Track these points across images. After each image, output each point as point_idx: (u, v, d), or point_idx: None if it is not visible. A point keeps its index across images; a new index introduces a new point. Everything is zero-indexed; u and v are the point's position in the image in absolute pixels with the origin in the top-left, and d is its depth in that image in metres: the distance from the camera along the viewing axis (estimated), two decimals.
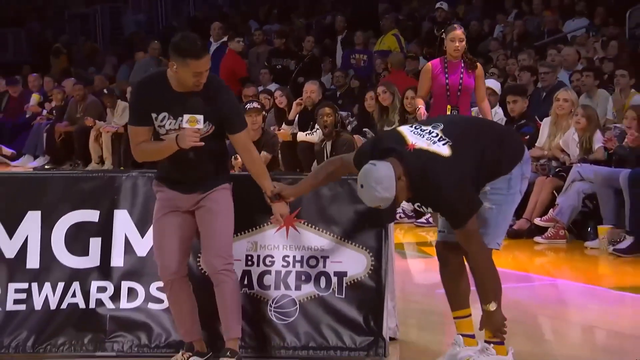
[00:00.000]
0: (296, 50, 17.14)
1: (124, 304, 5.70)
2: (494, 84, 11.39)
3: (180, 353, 5.34)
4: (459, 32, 9.13)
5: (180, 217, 5.24)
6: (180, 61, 5.02)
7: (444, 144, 4.93)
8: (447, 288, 5.33)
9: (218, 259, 5.17)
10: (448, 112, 8.85)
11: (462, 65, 9.05)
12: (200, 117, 5.05)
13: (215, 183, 5.24)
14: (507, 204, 5.17)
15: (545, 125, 10.42)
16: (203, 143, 5.06)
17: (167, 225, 5.24)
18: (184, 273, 5.30)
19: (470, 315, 5.31)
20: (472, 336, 5.29)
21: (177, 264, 5.23)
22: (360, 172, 4.89)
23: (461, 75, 9.01)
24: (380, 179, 4.78)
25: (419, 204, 5.17)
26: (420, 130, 5.03)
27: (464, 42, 9.06)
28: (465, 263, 5.28)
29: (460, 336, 5.25)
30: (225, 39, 16.49)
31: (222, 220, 5.22)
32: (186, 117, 5.04)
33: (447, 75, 9.06)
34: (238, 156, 13.10)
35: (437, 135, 4.99)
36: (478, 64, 9.28)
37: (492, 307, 5.07)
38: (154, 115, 5.14)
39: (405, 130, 5.07)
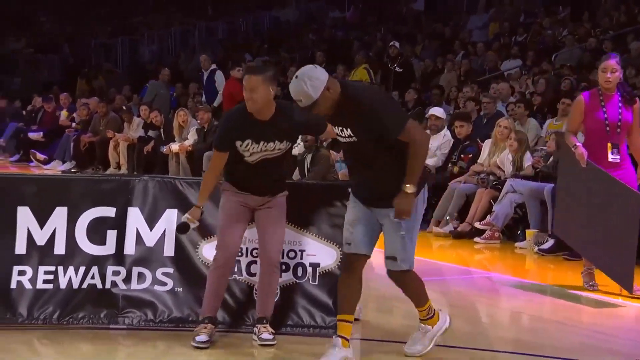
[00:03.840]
0: (282, 79, 17.12)
1: (134, 285, 5.67)
2: (439, 111, 11.38)
3: (203, 326, 5.23)
4: (611, 62, 6.82)
5: (245, 212, 5.25)
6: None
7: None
8: (343, 293, 4.90)
9: (278, 254, 5.28)
10: (609, 151, 6.78)
11: (620, 98, 6.85)
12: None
13: (278, 190, 5.29)
14: (414, 229, 4.84)
15: (485, 145, 10.47)
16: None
17: (234, 216, 5.22)
18: (234, 261, 5.34)
19: (351, 322, 4.90)
20: (348, 339, 4.85)
21: (235, 249, 5.26)
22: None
23: (620, 110, 6.81)
24: (313, 77, 4.52)
25: (342, 127, 4.68)
26: None
27: (617, 73, 6.80)
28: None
29: (339, 339, 4.84)
30: (213, 66, 16.39)
31: (282, 222, 5.29)
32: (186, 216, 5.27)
33: (605, 110, 6.82)
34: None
35: None
36: (637, 98, 6.98)
37: (411, 189, 4.61)
38: (238, 142, 5.13)
39: None
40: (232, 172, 5.33)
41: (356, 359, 4.93)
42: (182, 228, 5.34)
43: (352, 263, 4.88)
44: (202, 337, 5.16)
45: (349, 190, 5.04)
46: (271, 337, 5.28)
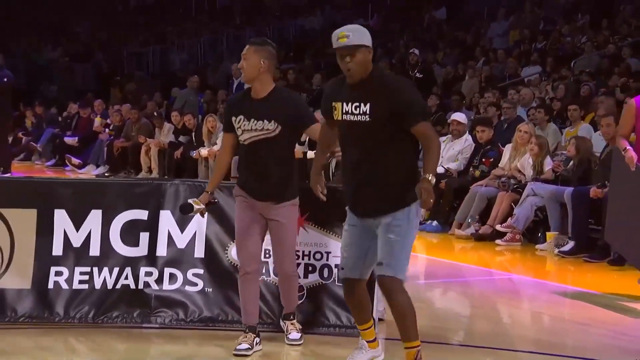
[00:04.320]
0: (307, 85, 17.15)
1: (166, 286, 5.68)
2: (461, 117, 11.38)
3: (244, 335, 5.08)
4: None
5: (256, 217, 5.04)
6: None
7: None
8: (355, 310, 4.75)
9: (290, 265, 5.13)
10: None
11: None
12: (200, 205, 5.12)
13: (285, 196, 5.03)
14: (409, 237, 4.43)
15: (506, 150, 10.42)
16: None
17: (246, 225, 5.05)
18: (257, 267, 5.15)
19: (371, 326, 4.78)
20: (374, 340, 4.79)
21: (254, 256, 5.09)
22: None
23: None
24: (366, 32, 4.42)
25: (358, 103, 4.35)
26: None
27: None
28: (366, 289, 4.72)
29: (365, 342, 4.76)
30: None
31: (291, 233, 5.10)
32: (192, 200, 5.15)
33: None
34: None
35: None
36: None
37: (433, 179, 4.28)
38: (234, 119, 5.04)
39: None
40: (239, 166, 5.18)
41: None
42: (184, 208, 5.18)
43: (350, 287, 4.64)
44: (243, 346, 5.04)
45: (346, 209, 4.63)
46: (298, 336, 5.26)
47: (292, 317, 5.31)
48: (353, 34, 4.36)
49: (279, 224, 5.05)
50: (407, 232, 4.41)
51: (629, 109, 6.82)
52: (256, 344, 5.09)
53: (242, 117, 5.01)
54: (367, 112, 4.35)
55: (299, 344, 5.24)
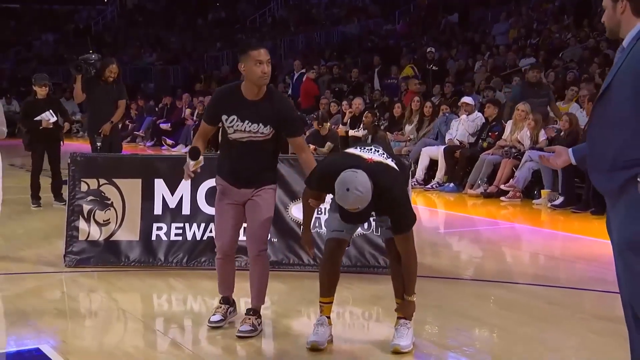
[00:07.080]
0: (348, 78, 17.03)
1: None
2: (469, 99, 11.23)
3: (218, 306, 4.33)
4: None
5: (235, 207, 4.10)
6: (244, 57, 3.87)
7: (392, 161, 3.81)
8: (326, 278, 3.94)
9: (254, 245, 4.08)
10: None
11: None
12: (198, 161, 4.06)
13: (263, 182, 4.06)
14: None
15: (508, 125, 10.26)
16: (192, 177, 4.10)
17: (224, 213, 4.12)
18: (234, 250, 4.25)
19: (332, 301, 4.00)
20: (330, 317, 3.99)
21: (231, 243, 4.16)
22: (342, 177, 3.56)
23: None
24: (363, 184, 3.53)
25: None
26: (369, 149, 3.81)
27: None
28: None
29: (325, 317, 3.98)
30: (303, 70, 16.44)
31: (263, 213, 4.05)
32: (192, 162, 4.07)
33: None
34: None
35: (384, 153, 3.82)
36: None
37: (414, 298, 3.91)
38: (224, 117, 4.01)
39: (357, 151, 3.81)
40: (222, 159, 4.18)
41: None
42: (194, 153, 4.11)
43: (339, 248, 3.92)
44: (216, 317, 4.25)
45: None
46: (250, 329, 4.08)
47: (252, 313, 4.14)
48: (362, 204, 3.57)
49: (252, 202, 4.06)
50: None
51: None
52: (230, 314, 4.30)
53: (235, 117, 3.97)
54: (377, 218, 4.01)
55: (247, 336, 4.06)
